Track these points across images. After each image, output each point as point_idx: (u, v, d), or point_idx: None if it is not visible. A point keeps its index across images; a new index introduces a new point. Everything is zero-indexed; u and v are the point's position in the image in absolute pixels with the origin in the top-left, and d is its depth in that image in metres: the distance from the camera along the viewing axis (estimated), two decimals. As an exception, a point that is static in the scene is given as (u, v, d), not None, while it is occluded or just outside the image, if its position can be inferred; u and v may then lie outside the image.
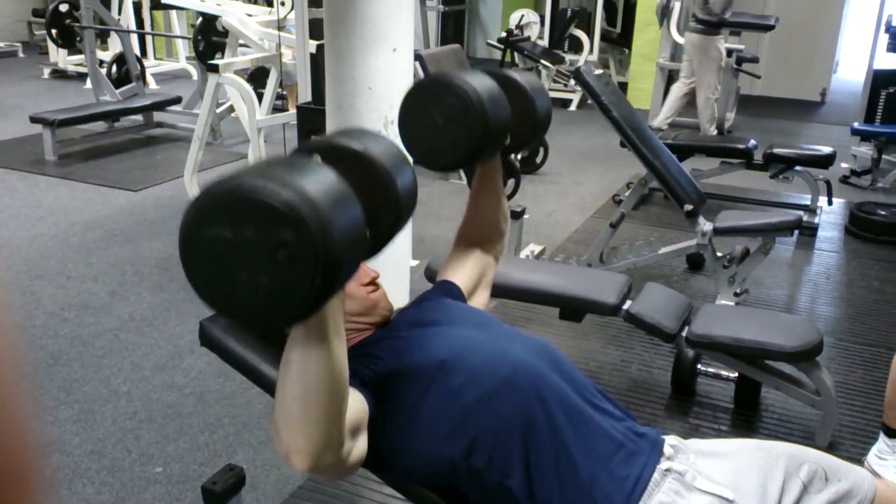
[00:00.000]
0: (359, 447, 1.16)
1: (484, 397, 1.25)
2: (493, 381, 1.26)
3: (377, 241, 1.09)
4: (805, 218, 4.03)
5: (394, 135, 2.93)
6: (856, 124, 5.43)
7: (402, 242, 3.19)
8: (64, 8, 6.25)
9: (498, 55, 7.53)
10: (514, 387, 1.26)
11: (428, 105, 1.39)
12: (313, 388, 1.02)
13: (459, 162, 1.46)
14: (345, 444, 1.09)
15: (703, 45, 5.83)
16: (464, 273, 1.61)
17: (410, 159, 1.24)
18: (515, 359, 1.30)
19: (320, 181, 0.92)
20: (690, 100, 6.10)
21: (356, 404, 1.15)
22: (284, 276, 0.89)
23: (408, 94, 1.43)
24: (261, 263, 0.89)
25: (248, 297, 0.91)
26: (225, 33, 5.20)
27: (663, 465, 1.26)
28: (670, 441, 1.33)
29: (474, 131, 1.36)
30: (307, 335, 1.00)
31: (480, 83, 1.38)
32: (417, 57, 4.99)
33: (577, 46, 8.14)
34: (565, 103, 7.78)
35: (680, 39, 6.50)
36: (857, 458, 2.07)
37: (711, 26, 5.77)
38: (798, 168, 4.26)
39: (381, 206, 1.08)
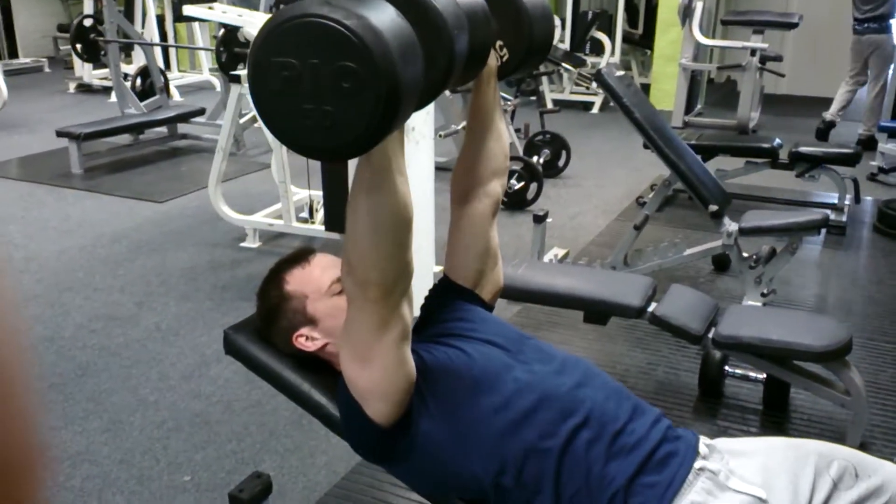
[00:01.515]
0: (410, 346, 1.22)
1: (517, 420, 1.24)
2: (524, 405, 1.25)
3: (430, 89, 1.07)
4: (832, 216, 3.97)
5: (414, 142, 2.95)
6: (883, 121, 5.34)
7: (426, 248, 3.20)
8: (88, 23, 6.35)
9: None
10: (547, 409, 1.25)
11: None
12: (381, 221, 1.08)
13: (438, 82, 1.28)
14: (411, 269, 1.16)
15: (881, 42, 5.91)
16: (464, 259, 1.51)
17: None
18: (546, 380, 1.30)
19: (384, 15, 0.93)
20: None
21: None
22: (349, 104, 0.91)
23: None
24: (326, 91, 0.91)
25: (315, 126, 0.93)
26: (247, 44, 5.24)
27: (697, 463, 1.25)
28: (704, 441, 1.32)
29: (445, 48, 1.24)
30: (372, 171, 1.06)
31: None
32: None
33: (598, 49, 8.12)
34: (587, 106, 7.76)
35: (703, 40, 6.45)
36: (890, 458, 2.03)
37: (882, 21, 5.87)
38: (824, 166, 4.20)
39: (435, 54, 1.06)
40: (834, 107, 6.38)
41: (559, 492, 1.21)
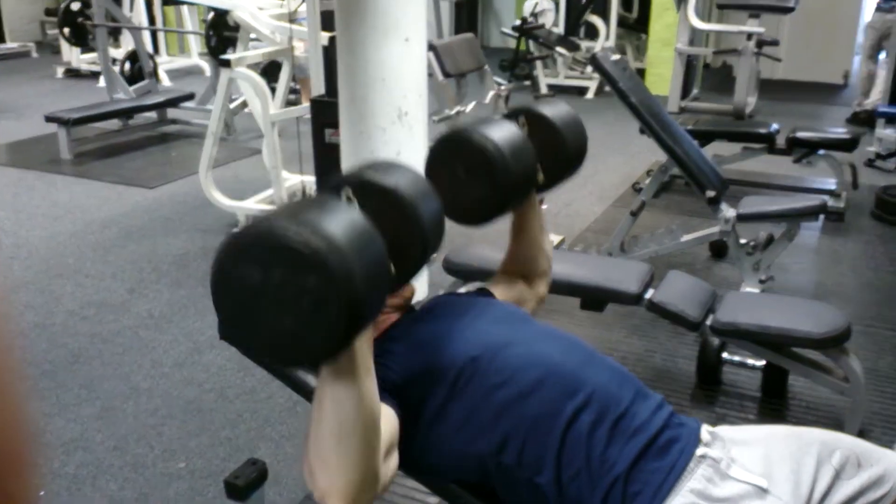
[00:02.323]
0: (391, 466, 1.15)
1: (517, 397, 1.23)
2: (528, 380, 1.24)
3: (403, 273, 1.12)
4: (830, 202, 3.96)
5: (407, 126, 2.92)
6: (881, 106, 5.33)
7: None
8: (76, 6, 6.27)
9: (512, 44, 7.47)
10: (547, 387, 1.24)
11: (450, 160, 1.40)
12: (346, 427, 1.02)
13: (487, 216, 1.43)
14: (379, 477, 1.08)
15: None
16: (502, 289, 1.59)
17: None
18: (550, 358, 1.28)
19: (347, 225, 0.95)
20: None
21: (388, 424, 1.14)
22: (310, 320, 0.92)
23: (431, 149, 1.44)
24: (288, 306, 0.92)
25: (276, 338, 0.94)
26: (236, 28, 5.18)
27: (699, 451, 1.24)
28: (707, 428, 1.31)
29: (498, 185, 1.36)
30: (337, 374, 1.01)
31: (501, 134, 1.37)
32: (430, 47, 4.96)
33: (593, 33, 8.07)
34: (582, 91, 7.72)
35: (698, 24, 6.41)
36: (888, 446, 2.02)
37: None
38: (822, 152, 4.19)
39: (408, 241, 1.11)
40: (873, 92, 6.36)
41: (560, 472, 1.21)
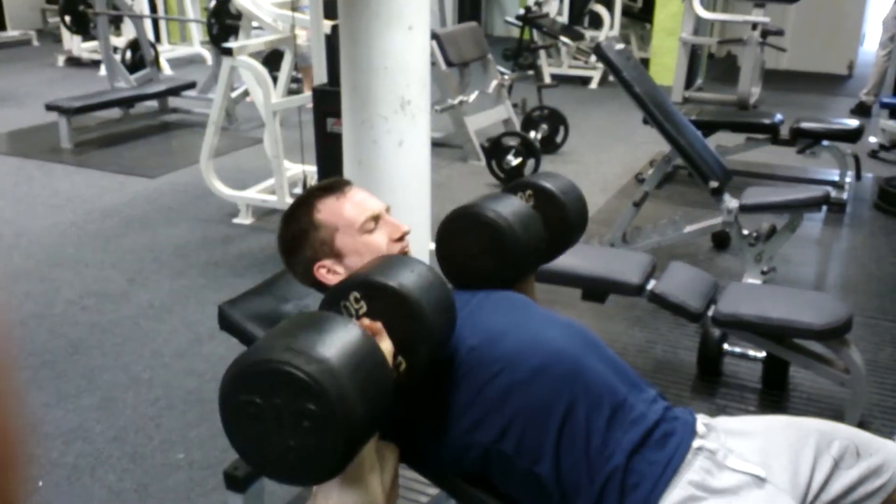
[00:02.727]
0: (396, 492, 1.22)
1: (517, 384, 1.23)
2: (527, 368, 1.24)
3: (413, 370, 1.16)
4: (833, 193, 3.94)
5: (410, 115, 2.90)
6: (884, 97, 5.30)
7: (422, 225, 3.16)
8: (77, -6, 6.24)
9: (516, 33, 7.43)
10: (547, 374, 1.24)
11: (462, 235, 1.44)
12: None
13: (497, 287, 1.45)
14: None
15: None
16: None
17: (449, 285, 1.31)
18: (550, 345, 1.28)
19: (345, 345, 1.01)
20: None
21: (389, 464, 1.19)
22: (310, 441, 0.99)
23: (443, 225, 1.47)
24: (289, 428, 0.99)
25: (280, 458, 1.01)
26: (238, 16, 5.15)
27: (695, 443, 1.24)
28: (702, 420, 1.31)
29: (508, 259, 1.41)
30: (343, 478, 1.07)
31: (510, 210, 1.42)
32: (434, 35, 4.93)
33: (597, 22, 8.02)
34: (586, 81, 7.68)
35: (703, 13, 6.37)
36: (888, 436, 2.02)
37: None
38: (825, 143, 4.17)
39: (417, 338, 1.16)
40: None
41: (559, 461, 1.21)
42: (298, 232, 1.35)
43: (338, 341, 1.02)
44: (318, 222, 1.33)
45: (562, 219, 1.55)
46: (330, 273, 1.33)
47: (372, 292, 1.16)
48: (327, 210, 1.33)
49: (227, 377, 1.03)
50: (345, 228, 1.32)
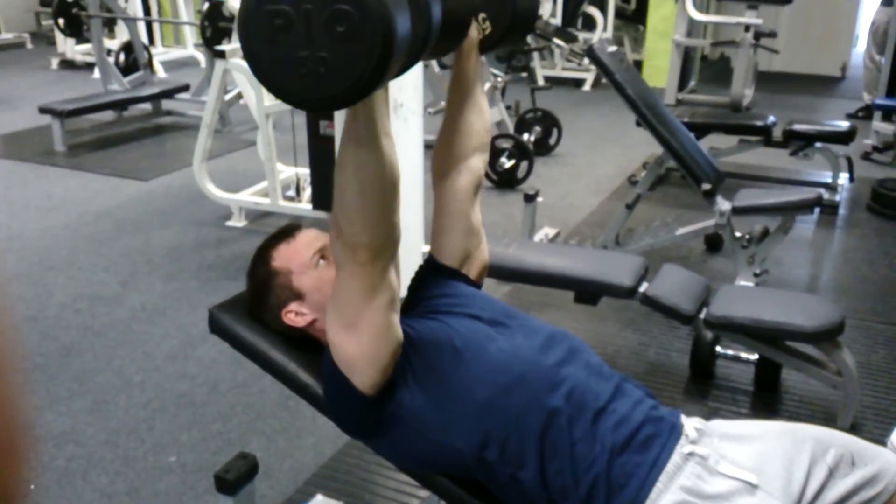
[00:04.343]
0: (397, 311, 1.24)
1: (499, 393, 1.24)
2: (507, 378, 1.25)
3: (412, 50, 1.06)
4: (826, 195, 3.95)
5: (403, 118, 2.90)
6: (877, 99, 5.32)
7: (415, 228, 3.16)
8: (71, -3, 6.23)
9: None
10: (529, 383, 1.25)
11: None
12: (369, 182, 1.10)
13: (417, 48, 1.30)
14: (399, 234, 1.18)
15: None
16: (449, 239, 1.50)
17: None
18: (530, 355, 1.29)
19: None
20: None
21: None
22: (344, 49, 0.92)
23: None
24: (320, 36, 0.92)
25: (308, 74, 0.94)
26: (232, 19, 5.16)
27: (686, 448, 1.24)
28: (695, 424, 1.31)
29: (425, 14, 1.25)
30: (357, 135, 1.08)
31: None
32: (427, 38, 4.92)
33: (590, 24, 8.03)
34: (579, 83, 7.70)
35: (696, 15, 6.39)
36: (880, 440, 2.02)
37: None
38: (818, 145, 4.18)
39: (416, 20, 1.05)
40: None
41: (544, 468, 1.22)
42: (260, 283, 1.41)
43: None
44: (275, 270, 1.39)
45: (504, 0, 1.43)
46: (298, 316, 1.38)
47: None
48: (280, 257, 1.39)
49: None
50: (299, 269, 1.37)
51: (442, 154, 1.50)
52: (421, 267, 1.55)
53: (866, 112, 6.28)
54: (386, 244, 1.15)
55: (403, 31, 0.95)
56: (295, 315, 1.38)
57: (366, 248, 1.13)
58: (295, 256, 1.38)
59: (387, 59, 0.93)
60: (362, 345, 1.20)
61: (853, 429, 2.33)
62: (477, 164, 1.50)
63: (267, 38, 0.94)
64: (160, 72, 7.80)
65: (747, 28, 6.04)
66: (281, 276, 1.38)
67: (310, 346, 1.42)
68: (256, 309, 1.45)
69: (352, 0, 0.90)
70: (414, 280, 1.54)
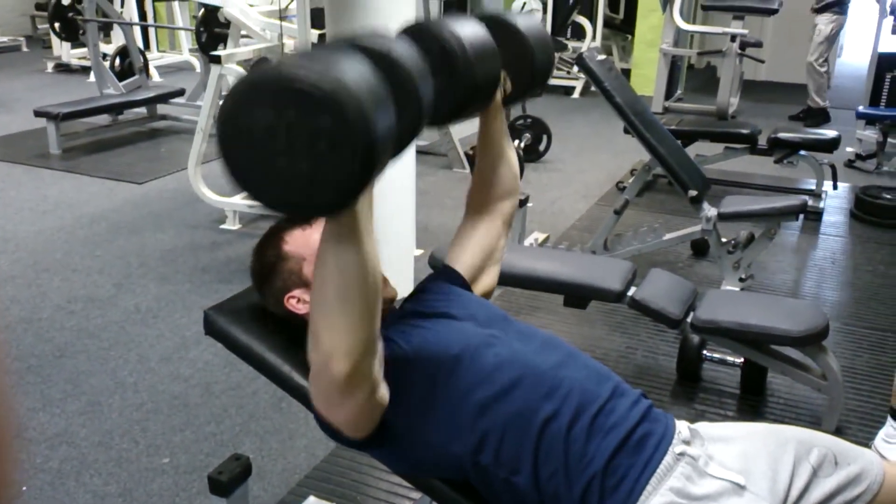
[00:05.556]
0: (383, 389, 1.18)
1: (494, 398, 1.24)
2: (504, 381, 1.25)
3: (401, 141, 1.08)
4: (810, 202, 4.00)
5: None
6: (860, 108, 5.39)
7: (406, 232, 3.19)
8: (66, 1, 6.23)
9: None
10: (524, 387, 1.25)
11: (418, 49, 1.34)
12: (350, 286, 1.05)
13: (448, 114, 1.37)
14: (378, 347, 1.12)
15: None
16: (469, 254, 1.55)
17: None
18: (527, 358, 1.29)
19: (357, 70, 0.93)
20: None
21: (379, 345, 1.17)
22: (325, 163, 0.90)
23: (397, 36, 1.37)
24: (301, 150, 0.90)
25: (289, 185, 0.92)
26: (227, 24, 5.18)
27: (678, 448, 1.25)
28: (687, 425, 1.32)
29: (458, 81, 1.29)
30: (340, 235, 1.03)
31: (466, 31, 1.32)
32: (419, 45, 4.96)
33: (579, 33, 8.10)
34: (568, 90, 7.75)
35: (683, 25, 6.46)
36: (865, 442, 2.07)
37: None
38: (803, 153, 4.24)
39: (404, 107, 1.06)
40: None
41: (537, 471, 1.22)
42: (268, 264, 1.39)
43: (350, 66, 0.93)
44: (287, 254, 1.37)
45: (525, 58, 1.48)
46: (300, 303, 1.37)
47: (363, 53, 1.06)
48: (294, 242, 1.38)
49: (234, 95, 0.93)
50: (311, 258, 1.33)
51: (475, 195, 1.59)
52: (435, 272, 1.59)
53: (806, 114, 6.58)
54: (364, 353, 1.09)
55: (387, 136, 0.95)
56: (297, 302, 1.37)
57: (344, 355, 1.07)
58: (309, 244, 1.35)
59: (370, 170, 0.93)
60: (348, 419, 1.20)
61: (838, 432, 2.36)
62: (506, 207, 1.59)
63: (248, 148, 0.92)
64: (155, 76, 7.82)
65: (733, 38, 6.11)
66: (291, 261, 1.36)
67: (304, 335, 1.43)
68: (259, 287, 1.43)
69: (332, 114, 0.88)
70: (423, 281, 1.56)
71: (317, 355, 1.10)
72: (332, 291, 1.06)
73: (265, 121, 0.90)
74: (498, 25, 1.43)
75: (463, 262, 1.54)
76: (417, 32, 1.33)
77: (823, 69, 6.47)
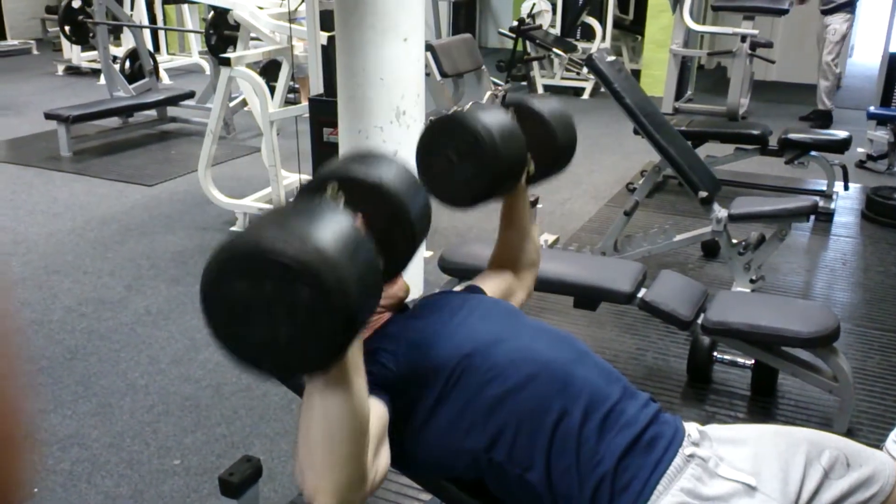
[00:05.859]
0: (382, 462, 1.17)
1: (508, 393, 1.25)
2: (518, 377, 1.26)
3: (393, 266, 1.11)
4: (821, 203, 3.99)
5: (405, 126, 2.94)
6: (872, 108, 5.36)
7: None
8: (77, 4, 6.28)
9: (509, 44, 7.49)
10: (538, 383, 1.25)
11: (443, 144, 1.43)
12: (336, 430, 1.04)
13: (476, 199, 1.47)
14: (368, 476, 1.10)
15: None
16: (492, 282, 1.61)
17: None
18: (540, 354, 1.30)
19: (336, 231, 0.94)
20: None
21: (377, 418, 1.16)
22: (303, 332, 0.91)
23: (423, 133, 1.47)
24: (280, 319, 0.91)
25: (268, 351, 0.94)
26: (237, 27, 5.20)
27: (688, 449, 1.25)
28: (696, 427, 1.32)
29: (487, 168, 1.38)
30: (327, 381, 1.03)
31: (493, 119, 1.40)
32: (428, 47, 4.98)
33: (589, 34, 8.09)
34: (578, 92, 7.74)
35: (693, 25, 6.44)
36: (876, 444, 2.04)
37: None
38: (813, 153, 4.22)
39: (397, 234, 1.11)
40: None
41: (550, 468, 1.22)
42: None
43: (331, 227, 0.94)
44: None
45: (548, 141, 1.55)
46: None
47: (352, 186, 1.11)
48: None
49: (212, 265, 0.94)
50: None
51: (497, 264, 1.67)
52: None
53: (815, 116, 6.56)
54: (351, 489, 1.07)
55: (369, 300, 0.97)
56: None
57: (329, 494, 1.06)
58: None
59: (350, 336, 0.94)
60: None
61: (849, 434, 2.35)
62: (529, 277, 1.68)
63: (228, 317, 0.94)
64: (165, 79, 7.86)
65: (743, 38, 6.08)
66: None
67: None
68: None
69: (311, 286, 0.89)
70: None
71: (303, 489, 1.10)
72: (317, 434, 1.05)
73: (245, 291, 0.91)
74: (522, 111, 1.52)
75: (485, 287, 1.60)
76: (446, 124, 1.43)
77: (838, 70, 6.46)
